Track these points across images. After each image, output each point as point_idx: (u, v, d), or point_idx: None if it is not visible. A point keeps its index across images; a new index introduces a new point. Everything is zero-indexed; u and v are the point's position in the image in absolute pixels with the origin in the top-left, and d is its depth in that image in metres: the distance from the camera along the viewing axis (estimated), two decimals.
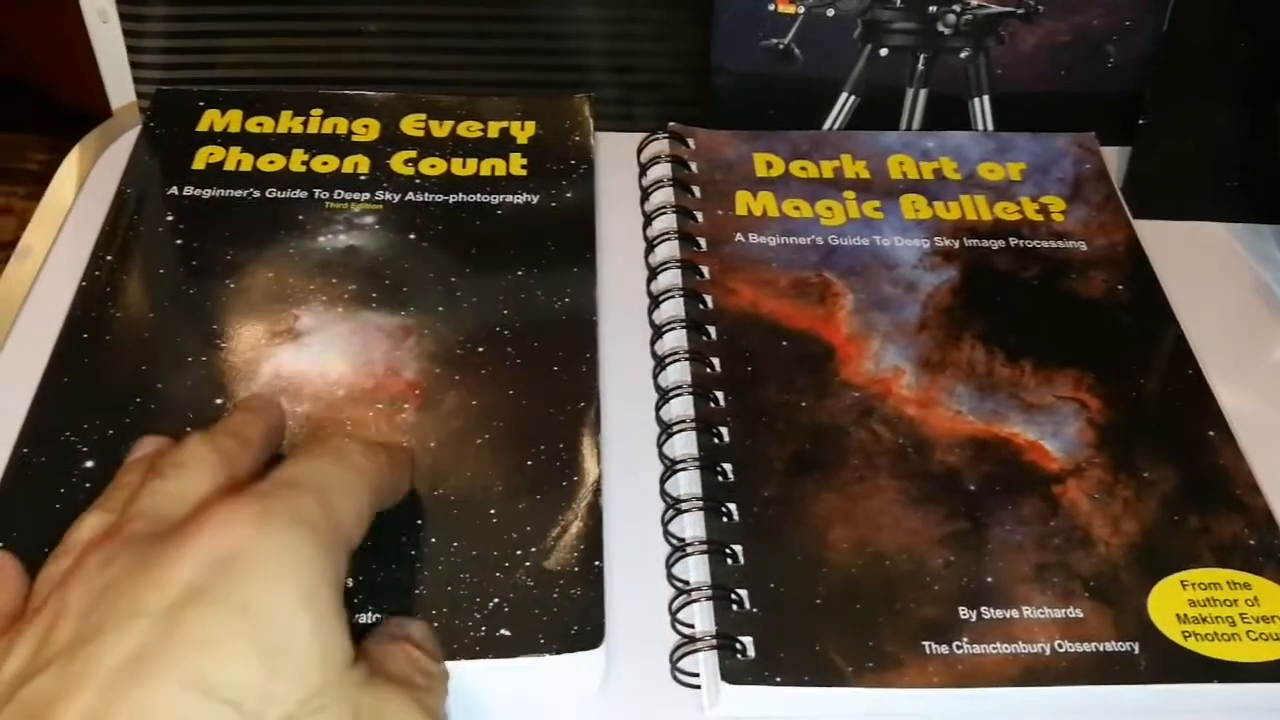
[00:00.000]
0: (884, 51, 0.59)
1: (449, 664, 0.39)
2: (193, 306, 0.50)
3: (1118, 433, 0.48)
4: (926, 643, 0.41)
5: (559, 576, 0.41)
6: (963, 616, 0.42)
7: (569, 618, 0.40)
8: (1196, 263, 0.57)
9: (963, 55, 0.60)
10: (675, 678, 0.41)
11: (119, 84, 0.63)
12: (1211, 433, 0.48)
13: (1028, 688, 0.40)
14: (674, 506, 0.45)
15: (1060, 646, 0.41)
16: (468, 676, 0.39)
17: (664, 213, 0.55)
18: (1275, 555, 0.44)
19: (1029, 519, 0.45)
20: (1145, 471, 0.46)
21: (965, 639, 0.41)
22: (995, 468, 0.46)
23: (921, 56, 0.60)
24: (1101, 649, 0.41)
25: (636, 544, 0.45)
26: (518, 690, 0.40)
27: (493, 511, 0.43)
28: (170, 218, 0.53)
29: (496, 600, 0.41)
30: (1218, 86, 0.57)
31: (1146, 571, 0.43)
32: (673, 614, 0.42)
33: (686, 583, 0.43)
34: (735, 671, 0.40)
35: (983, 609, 0.42)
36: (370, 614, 0.40)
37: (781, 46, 0.59)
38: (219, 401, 0.46)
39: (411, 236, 0.53)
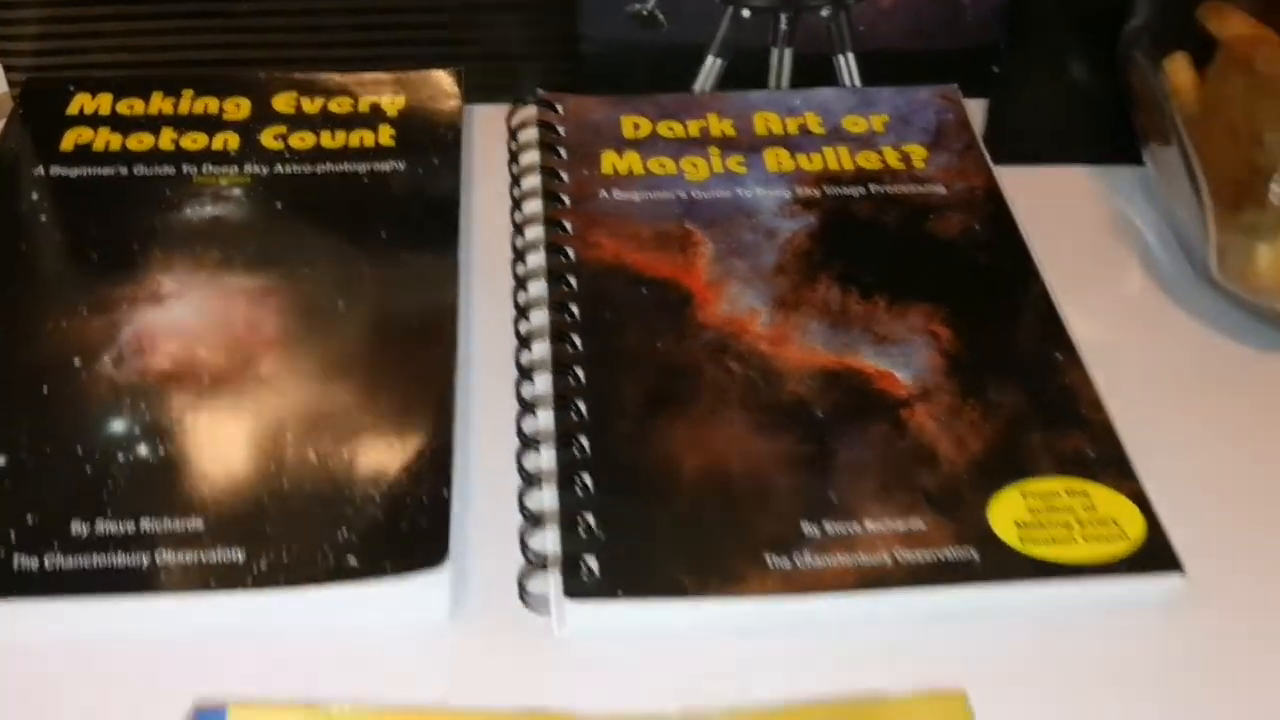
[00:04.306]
0: (746, 13, 0.61)
1: (297, 592, 0.40)
2: (53, 278, 0.50)
3: (967, 361, 0.49)
4: (769, 555, 0.42)
5: (406, 507, 0.42)
6: (805, 532, 0.42)
7: (413, 542, 0.41)
8: (1054, 203, 0.58)
9: (824, 14, 0.61)
10: (523, 600, 0.42)
11: None
12: (1060, 356, 0.49)
13: (866, 591, 0.41)
14: (529, 443, 0.46)
15: (901, 556, 0.42)
16: (317, 607, 0.40)
17: (531, 173, 0.56)
18: (1114, 463, 0.45)
19: (875, 441, 0.46)
20: (992, 394, 0.47)
21: (807, 551, 0.42)
22: (844, 396, 0.47)
23: (783, 16, 0.61)
24: (941, 556, 0.42)
25: (492, 479, 0.45)
26: (369, 619, 0.41)
27: (345, 448, 0.44)
28: (35, 196, 0.54)
29: (345, 530, 0.41)
30: (1068, 34, 0.58)
31: (987, 484, 0.44)
32: (522, 542, 0.43)
33: (540, 513, 0.44)
34: (578, 588, 0.41)
35: (825, 523, 0.43)
36: (228, 549, 0.41)
37: (645, 12, 0.60)
38: (76, 362, 0.47)
39: (278, 206, 0.54)
